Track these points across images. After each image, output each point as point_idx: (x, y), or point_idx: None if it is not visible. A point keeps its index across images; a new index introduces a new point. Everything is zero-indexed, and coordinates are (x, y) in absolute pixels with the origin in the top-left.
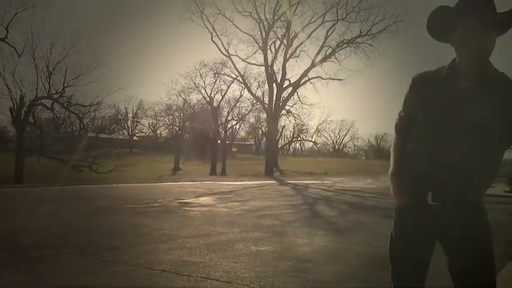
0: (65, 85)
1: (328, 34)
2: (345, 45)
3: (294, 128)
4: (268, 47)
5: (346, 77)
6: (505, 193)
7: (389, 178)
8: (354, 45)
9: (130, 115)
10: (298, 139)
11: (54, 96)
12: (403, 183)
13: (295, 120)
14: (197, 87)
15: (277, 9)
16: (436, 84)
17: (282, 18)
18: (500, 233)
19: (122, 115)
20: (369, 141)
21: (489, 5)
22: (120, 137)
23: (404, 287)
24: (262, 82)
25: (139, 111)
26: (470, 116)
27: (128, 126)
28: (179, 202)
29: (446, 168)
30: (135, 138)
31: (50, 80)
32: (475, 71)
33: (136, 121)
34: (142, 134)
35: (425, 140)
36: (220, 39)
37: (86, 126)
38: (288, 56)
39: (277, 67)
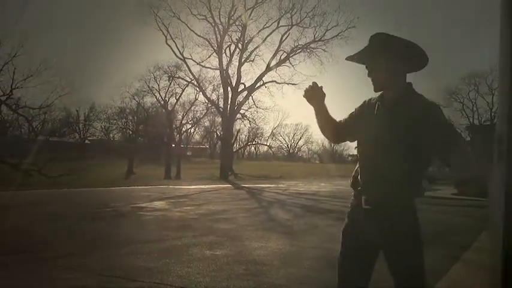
0: (13, 87)
1: (283, 39)
2: (299, 50)
3: (249, 132)
4: (223, 51)
5: (300, 82)
6: (452, 195)
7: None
8: (308, 51)
9: (82, 118)
10: (253, 143)
11: (2, 98)
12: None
13: (250, 124)
14: (151, 90)
15: (232, 13)
16: (369, 108)
17: (237, 22)
18: (446, 235)
19: (73, 118)
20: (322, 145)
21: (383, 47)
22: (72, 140)
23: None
24: (217, 86)
25: (91, 114)
26: (390, 133)
27: (79, 129)
28: (133, 207)
29: (372, 176)
30: (87, 141)
31: None
32: (392, 96)
33: (89, 124)
34: (95, 138)
35: (360, 154)
36: (174, 42)
37: (36, 129)
38: (242, 60)
39: (232, 71)
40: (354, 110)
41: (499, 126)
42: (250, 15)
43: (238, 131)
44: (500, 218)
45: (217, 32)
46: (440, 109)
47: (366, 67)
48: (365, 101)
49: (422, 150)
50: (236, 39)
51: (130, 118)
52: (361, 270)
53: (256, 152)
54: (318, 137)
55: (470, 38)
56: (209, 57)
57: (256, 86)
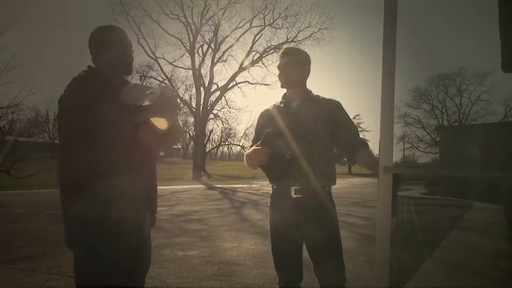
0: None
1: (256, 39)
2: (272, 51)
3: (221, 132)
4: (196, 51)
5: (273, 82)
6: (422, 195)
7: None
8: None
9: (51, 117)
10: (226, 143)
11: None
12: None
13: (222, 125)
14: None
15: (205, 13)
16: (276, 110)
17: (209, 22)
18: (413, 233)
19: (42, 117)
20: None
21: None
22: (41, 140)
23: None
24: (189, 86)
25: None
26: (300, 126)
27: (49, 129)
28: None
29: (297, 168)
30: (56, 141)
31: None
32: (296, 96)
33: None
34: None
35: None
36: (146, 41)
37: (3, 129)
38: (215, 60)
39: (204, 71)
40: (256, 129)
41: None
42: (223, 15)
43: (211, 131)
44: None
45: (190, 32)
46: (341, 104)
47: (278, 67)
48: (261, 114)
49: (331, 141)
50: (209, 39)
51: None
52: (296, 256)
53: (229, 152)
54: None
55: (439, 39)
56: (181, 57)
57: (229, 86)
